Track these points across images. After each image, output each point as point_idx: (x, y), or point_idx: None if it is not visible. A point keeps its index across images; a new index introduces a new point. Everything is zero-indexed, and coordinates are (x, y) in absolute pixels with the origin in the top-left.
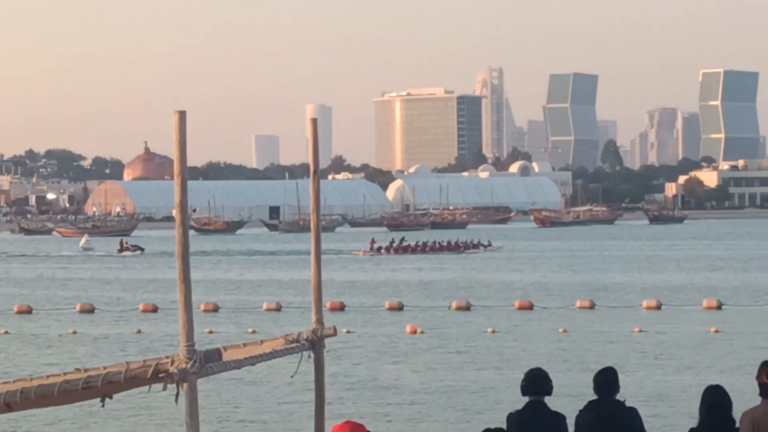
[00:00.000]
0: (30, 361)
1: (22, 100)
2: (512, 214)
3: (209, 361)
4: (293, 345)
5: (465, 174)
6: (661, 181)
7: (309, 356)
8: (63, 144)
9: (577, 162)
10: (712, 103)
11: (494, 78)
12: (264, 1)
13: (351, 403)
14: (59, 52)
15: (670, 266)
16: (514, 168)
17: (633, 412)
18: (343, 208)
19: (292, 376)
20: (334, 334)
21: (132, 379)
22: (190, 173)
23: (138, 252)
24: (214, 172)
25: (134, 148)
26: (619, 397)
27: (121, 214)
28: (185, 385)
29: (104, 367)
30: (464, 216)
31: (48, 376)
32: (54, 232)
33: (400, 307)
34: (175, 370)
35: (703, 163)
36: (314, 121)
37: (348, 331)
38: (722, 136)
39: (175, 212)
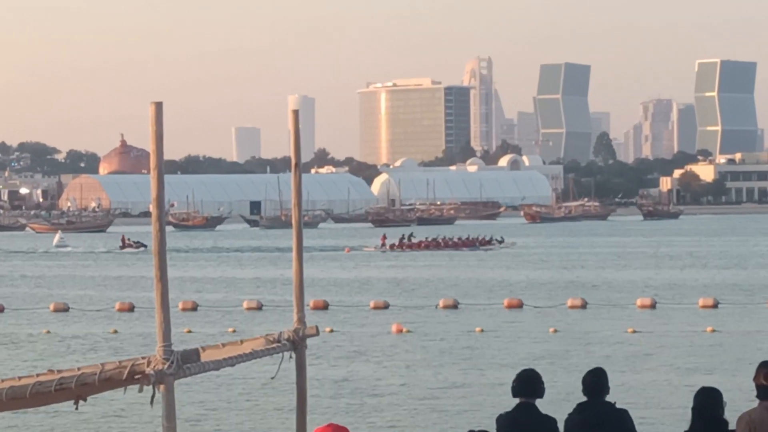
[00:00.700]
0: (0, 362)
1: None
2: (501, 209)
3: (187, 362)
4: (274, 345)
5: (453, 168)
6: (655, 175)
7: (290, 356)
8: (36, 137)
9: (569, 155)
10: (708, 94)
11: (483, 68)
12: None
13: (333, 405)
14: (31, 43)
15: (665, 263)
16: (503, 161)
17: (624, 414)
18: (327, 203)
19: (272, 377)
20: (317, 333)
21: (107, 381)
22: (168, 167)
23: (141, 248)
24: (193, 165)
25: (110, 140)
26: (609, 398)
27: (96, 209)
28: (162, 386)
29: (78, 368)
30: (452, 211)
31: (20, 378)
32: (27, 228)
33: (385, 306)
34: (152, 372)
35: (699, 157)
36: (296, 112)
37: (332, 330)
38: (719, 128)
39: (151, 207)
